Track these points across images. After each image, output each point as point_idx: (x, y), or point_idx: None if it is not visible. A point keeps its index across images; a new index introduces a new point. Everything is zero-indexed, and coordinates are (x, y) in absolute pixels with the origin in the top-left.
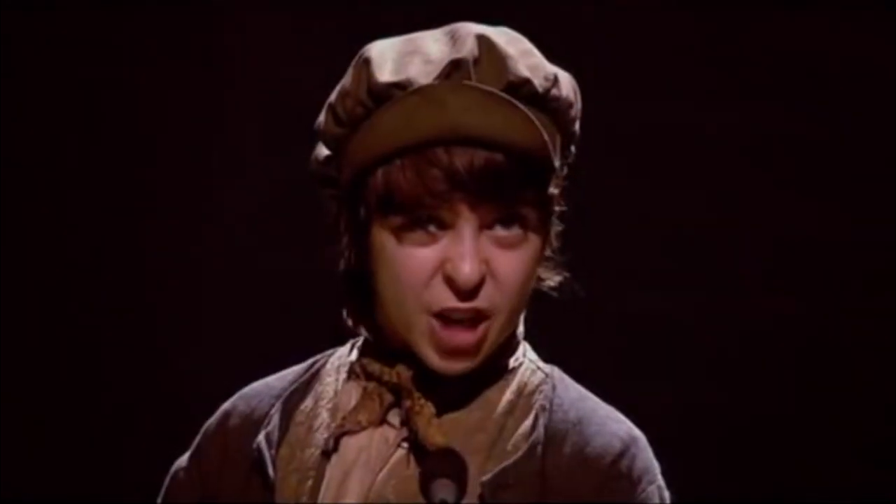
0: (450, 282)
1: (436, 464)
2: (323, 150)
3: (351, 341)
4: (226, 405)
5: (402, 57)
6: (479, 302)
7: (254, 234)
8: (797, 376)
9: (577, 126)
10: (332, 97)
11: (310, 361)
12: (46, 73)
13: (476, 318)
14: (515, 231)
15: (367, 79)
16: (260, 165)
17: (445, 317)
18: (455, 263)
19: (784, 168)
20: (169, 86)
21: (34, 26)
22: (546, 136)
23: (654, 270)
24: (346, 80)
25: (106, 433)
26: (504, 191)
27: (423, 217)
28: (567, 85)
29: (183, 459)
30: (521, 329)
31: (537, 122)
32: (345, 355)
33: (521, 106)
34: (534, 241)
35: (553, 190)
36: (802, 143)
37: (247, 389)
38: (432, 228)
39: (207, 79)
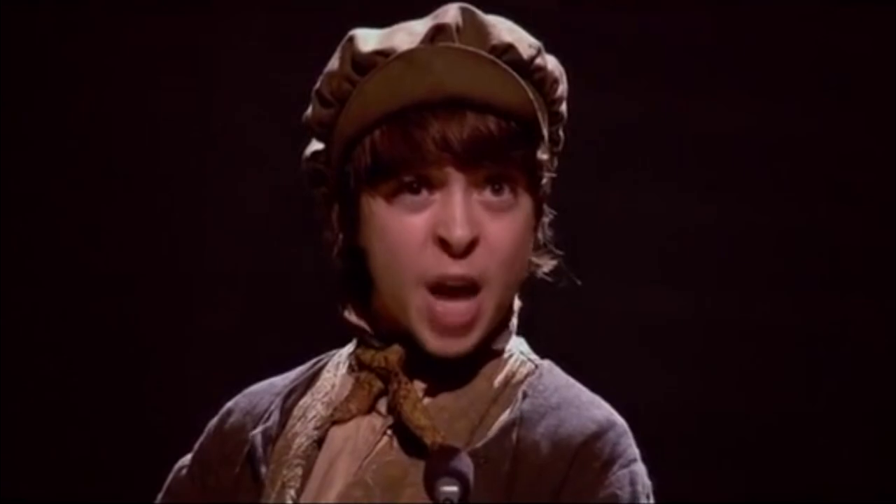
0: (443, 245)
1: (440, 462)
2: (310, 148)
3: (353, 341)
4: (229, 403)
5: (386, 33)
6: (472, 270)
7: (252, 234)
8: (797, 376)
9: (563, 107)
10: (318, 84)
11: (313, 361)
12: (46, 72)
13: (470, 289)
14: (506, 196)
15: (350, 53)
16: (259, 165)
17: (440, 287)
18: (446, 223)
19: (786, 168)
20: (169, 85)
21: (33, 26)
22: (531, 96)
23: (654, 270)
24: (331, 63)
25: (106, 434)
26: (492, 150)
27: (412, 181)
28: (553, 61)
29: (187, 458)
30: (514, 321)
31: (522, 82)
32: (345, 353)
33: (506, 66)
34: (524, 207)
35: (542, 155)
36: (804, 143)
37: (251, 388)
38: (423, 193)
39: (207, 78)
